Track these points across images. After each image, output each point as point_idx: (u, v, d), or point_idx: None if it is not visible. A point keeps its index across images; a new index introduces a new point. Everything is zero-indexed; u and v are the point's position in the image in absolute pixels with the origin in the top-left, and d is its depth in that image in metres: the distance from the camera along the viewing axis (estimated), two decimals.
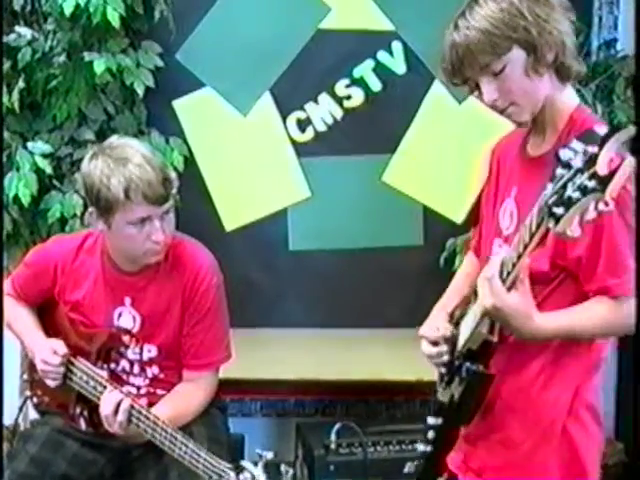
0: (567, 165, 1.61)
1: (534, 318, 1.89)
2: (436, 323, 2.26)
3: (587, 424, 2.09)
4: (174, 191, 2.49)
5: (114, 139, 2.56)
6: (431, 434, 2.21)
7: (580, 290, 1.96)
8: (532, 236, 1.73)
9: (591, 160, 1.57)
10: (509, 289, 1.84)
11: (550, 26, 1.95)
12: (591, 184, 1.57)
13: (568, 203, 1.59)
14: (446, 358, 2.16)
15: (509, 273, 1.82)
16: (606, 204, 1.57)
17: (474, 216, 2.41)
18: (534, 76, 1.97)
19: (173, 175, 2.52)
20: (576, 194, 1.58)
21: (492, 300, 1.84)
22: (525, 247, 1.76)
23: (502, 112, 2.02)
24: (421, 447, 2.25)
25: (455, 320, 2.22)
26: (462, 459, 2.21)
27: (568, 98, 2.06)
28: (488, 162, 2.30)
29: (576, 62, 2.02)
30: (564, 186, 1.61)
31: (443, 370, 2.19)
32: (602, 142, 1.57)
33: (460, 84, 2.05)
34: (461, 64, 1.97)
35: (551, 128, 2.04)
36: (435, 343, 2.20)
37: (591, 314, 1.95)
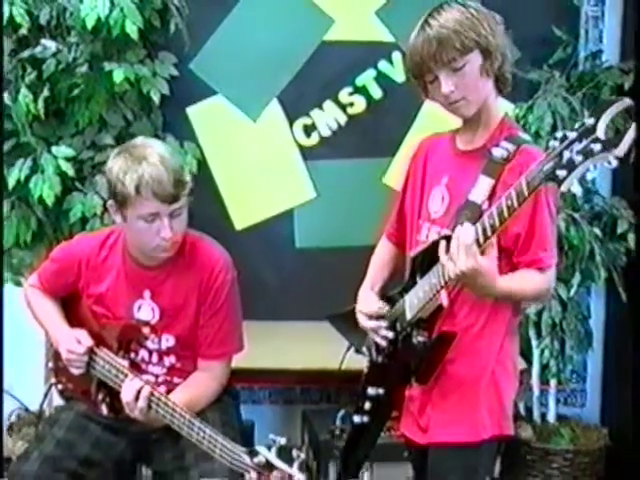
0: (561, 138, 1.80)
1: (497, 279, 2.05)
2: (368, 301, 2.42)
3: (509, 371, 2.29)
4: (185, 192, 2.48)
5: (139, 139, 2.60)
6: (368, 405, 2.37)
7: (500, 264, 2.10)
8: (522, 201, 1.90)
9: (587, 130, 1.76)
10: (481, 253, 1.99)
11: (499, 39, 2.16)
12: (597, 147, 1.75)
13: (571, 166, 1.78)
14: (391, 334, 2.29)
15: (487, 238, 1.98)
16: (609, 163, 1.76)
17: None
18: (485, 77, 2.17)
19: (187, 178, 2.51)
20: (579, 157, 1.77)
21: (471, 263, 1.97)
22: (510, 213, 1.93)
23: (451, 104, 2.18)
24: (357, 419, 2.40)
25: (389, 298, 2.37)
26: (412, 421, 2.33)
27: (500, 105, 2.27)
28: (414, 158, 2.44)
29: (510, 76, 2.23)
30: (560, 154, 1.79)
31: (384, 343, 2.31)
32: (599, 113, 1.76)
33: (418, 77, 2.20)
34: (430, 57, 2.12)
35: (483, 127, 2.23)
36: (370, 317, 2.36)
37: (528, 281, 2.15)
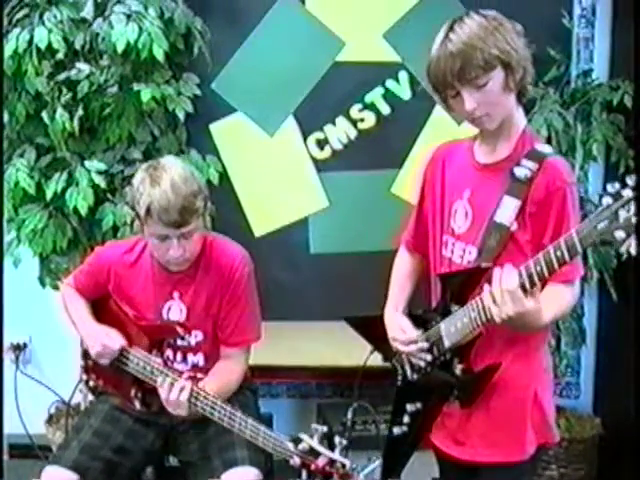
0: (615, 195, 1.66)
1: (542, 314, 1.96)
2: (399, 324, 2.26)
3: (548, 384, 2.21)
4: (194, 218, 2.46)
5: (163, 160, 2.58)
6: (407, 419, 2.26)
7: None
8: (573, 255, 1.79)
9: None
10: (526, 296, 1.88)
11: (521, 52, 2.02)
12: None
13: (630, 229, 1.65)
14: (429, 357, 2.17)
15: (533, 284, 1.86)
16: None
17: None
18: (508, 92, 2.03)
19: (198, 203, 2.47)
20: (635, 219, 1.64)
21: (518, 308, 1.87)
22: (560, 264, 1.81)
23: (474, 120, 2.06)
24: (396, 430, 2.28)
25: (415, 317, 2.25)
26: (446, 435, 2.23)
27: (521, 116, 2.13)
28: (429, 165, 2.30)
29: (531, 87, 2.10)
30: (616, 212, 1.66)
31: (422, 363, 2.20)
32: None
33: (440, 91, 2.06)
34: (452, 74, 1.98)
35: (504, 139, 2.10)
36: (407, 343, 2.21)
37: (561, 299, 2.04)
